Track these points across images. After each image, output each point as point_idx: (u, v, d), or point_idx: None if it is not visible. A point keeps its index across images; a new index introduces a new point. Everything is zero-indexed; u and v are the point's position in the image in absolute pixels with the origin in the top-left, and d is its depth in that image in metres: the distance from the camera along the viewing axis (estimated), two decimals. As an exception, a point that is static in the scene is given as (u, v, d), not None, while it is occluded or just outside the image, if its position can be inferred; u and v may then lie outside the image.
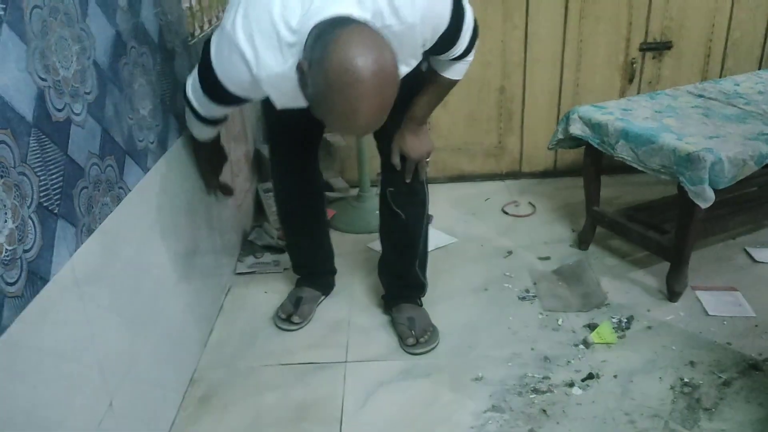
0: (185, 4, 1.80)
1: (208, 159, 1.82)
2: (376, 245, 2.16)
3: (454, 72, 1.53)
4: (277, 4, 1.20)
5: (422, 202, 1.77)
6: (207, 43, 1.36)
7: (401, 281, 1.91)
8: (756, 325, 1.84)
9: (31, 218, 1.01)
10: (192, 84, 1.46)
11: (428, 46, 1.37)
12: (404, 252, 1.85)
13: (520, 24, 2.60)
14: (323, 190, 1.95)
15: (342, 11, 1.15)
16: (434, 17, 1.30)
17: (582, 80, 2.71)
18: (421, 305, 1.93)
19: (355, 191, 2.69)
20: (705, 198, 1.73)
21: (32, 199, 1.02)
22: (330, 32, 1.08)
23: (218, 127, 1.67)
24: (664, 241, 1.98)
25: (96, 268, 1.22)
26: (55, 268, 1.08)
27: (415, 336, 1.81)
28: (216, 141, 1.79)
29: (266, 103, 1.69)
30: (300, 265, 2.04)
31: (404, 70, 1.33)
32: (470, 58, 1.51)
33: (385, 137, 1.70)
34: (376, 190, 2.02)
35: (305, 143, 1.80)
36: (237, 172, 2.30)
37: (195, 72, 1.43)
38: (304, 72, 1.11)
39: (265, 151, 2.64)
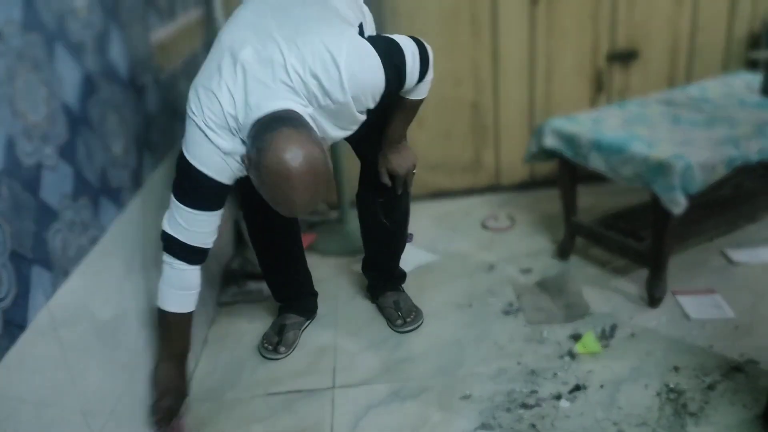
0: (154, 38, 1.81)
1: (169, 378, 1.55)
2: (359, 267, 2.17)
3: (417, 93, 1.60)
4: (225, 98, 1.34)
5: (407, 209, 1.96)
6: (179, 157, 1.45)
7: (386, 275, 2.09)
8: (736, 327, 1.86)
9: (4, 266, 1.01)
10: (168, 214, 1.47)
11: (374, 104, 1.46)
12: (390, 253, 2.04)
13: (489, 41, 2.64)
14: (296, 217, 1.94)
15: (277, 105, 1.31)
16: (368, 89, 1.41)
17: (553, 92, 2.75)
18: (403, 291, 2.10)
19: (335, 213, 2.70)
20: (677, 204, 1.76)
21: (5, 247, 1.01)
22: (263, 135, 1.25)
23: (196, 282, 1.55)
24: (641, 249, 2.01)
25: (74, 310, 1.21)
26: (32, 314, 1.07)
27: (402, 317, 1.99)
28: (182, 359, 1.59)
29: None
30: (280, 293, 2.03)
31: (345, 133, 1.50)
32: (429, 77, 1.58)
33: (368, 155, 1.82)
34: (355, 212, 2.04)
35: None
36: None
37: (171, 200, 1.45)
38: (246, 164, 1.31)
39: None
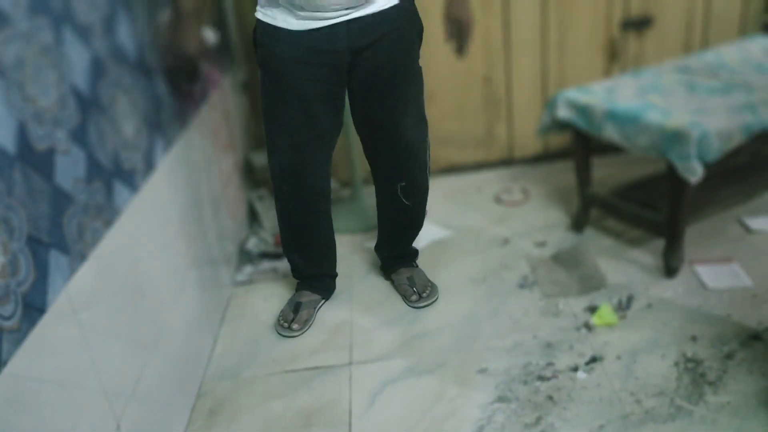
0: (162, 20, 1.79)
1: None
2: (372, 244, 2.17)
3: None
4: None
5: (426, 189, 1.97)
6: None
7: (399, 254, 2.09)
8: (754, 295, 1.85)
9: (22, 251, 1.02)
10: None
11: None
12: (407, 234, 2.05)
13: (499, 11, 2.60)
14: (329, 189, 1.90)
15: None
16: None
17: (566, 63, 2.71)
18: (417, 266, 2.10)
19: (347, 191, 2.69)
20: (694, 173, 1.73)
21: (21, 231, 1.02)
22: None
23: None
24: (657, 219, 1.99)
25: (92, 293, 1.22)
26: (51, 298, 1.08)
27: (417, 292, 1.99)
28: None
29: (269, 92, 1.69)
30: (299, 269, 2.02)
31: None
32: None
33: (383, 134, 1.79)
34: (368, 189, 2.03)
35: (319, 142, 1.77)
36: (228, 182, 2.30)
37: None
38: None
39: (256, 158, 2.64)
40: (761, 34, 2.62)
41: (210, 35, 2.29)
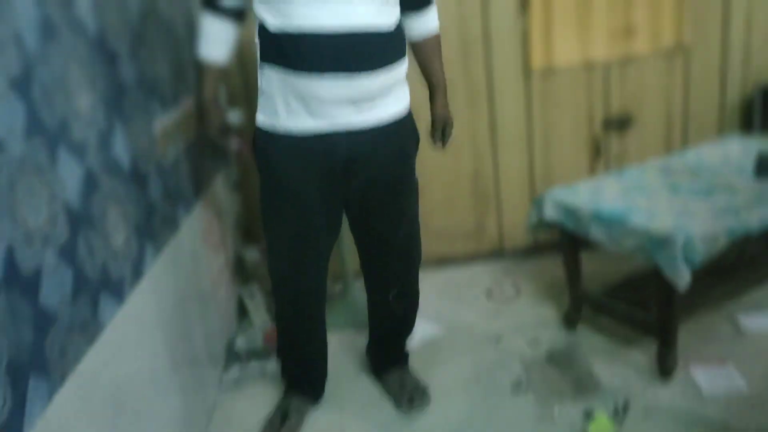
0: (157, 127, 1.83)
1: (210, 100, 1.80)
2: (364, 342, 2.14)
3: (429, 23, 1.78)
4: None
5: (417, 295, 2.01)
6: None
7: (391, 357, 2.07)
8: (752, 404, 1.81)
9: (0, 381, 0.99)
10: None
11: None
12: (398, 338, 2.05)
13: (485, 110, 2.68)
14: (325, 292, 1.91)
15: None
16: None
17: (551, 159, 2.78)
18: (407, 367, 2.08)
19: (338, 285, 2.68)
20: (681, 278, 1.74)
21: (0, 359, 1.00)
22: None
23: (235, 28, 1.72)
24: (649, 319, 1.98)
25: (72, 414, 1.19)
26: (28, 427, 1.05)
27: (407, 398, 1.95)
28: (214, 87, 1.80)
29: (269, 192, 1.72)
30: (290, 371, 1.98)
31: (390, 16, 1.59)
32: (434, 5, 1.77)
33: (377, 242, 1.83)
34: (359, 285, 2.02)
35: (317, 253, 1.79)
36: (218, 281, 2.28)
37: None
38: None
39: (247, 254, 2.64)
40: (739, 133, 2.71)
41: (233, 116, 2.41)
